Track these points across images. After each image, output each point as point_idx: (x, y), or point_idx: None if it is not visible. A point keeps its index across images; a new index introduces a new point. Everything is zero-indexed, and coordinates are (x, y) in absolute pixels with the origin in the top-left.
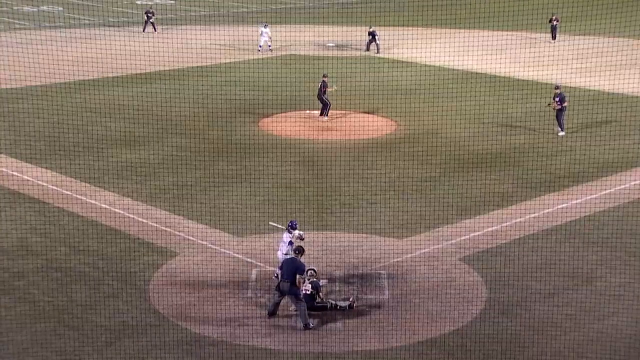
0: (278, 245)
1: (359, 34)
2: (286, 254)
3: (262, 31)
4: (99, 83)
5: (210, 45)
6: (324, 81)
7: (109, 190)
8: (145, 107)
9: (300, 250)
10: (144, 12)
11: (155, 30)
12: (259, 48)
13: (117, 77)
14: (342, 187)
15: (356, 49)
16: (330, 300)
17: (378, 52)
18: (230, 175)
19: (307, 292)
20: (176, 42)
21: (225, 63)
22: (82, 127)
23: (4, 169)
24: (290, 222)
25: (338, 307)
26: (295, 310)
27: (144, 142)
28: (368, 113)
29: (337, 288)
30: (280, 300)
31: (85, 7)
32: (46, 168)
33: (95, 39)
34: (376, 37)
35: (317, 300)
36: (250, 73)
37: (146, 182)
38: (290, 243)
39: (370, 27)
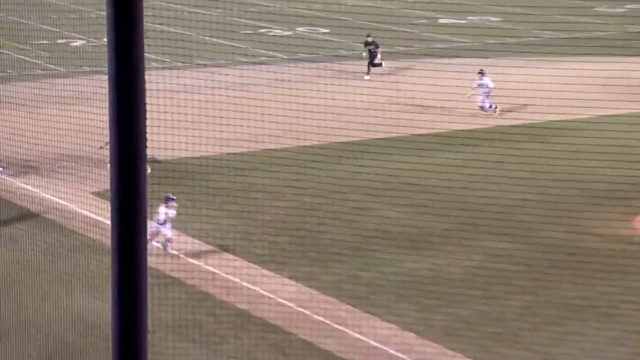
0: None
1: None
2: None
3: (477, 84)
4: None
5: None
6: None
7: (383, 319)
8: (436, 187)
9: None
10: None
11: (381, 65)
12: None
13: (391, 138)
14: None
15: None
16: None
17: None
18: (576, 307)
19: None
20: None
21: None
22: (345, 216)
23: (237, 280)
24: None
25: None
26: None
27: (436, 242)
28: None
29: None
30: None
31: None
32: (289, 277)
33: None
34: None
35: None
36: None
37: (439, 310)
38: None
39: None
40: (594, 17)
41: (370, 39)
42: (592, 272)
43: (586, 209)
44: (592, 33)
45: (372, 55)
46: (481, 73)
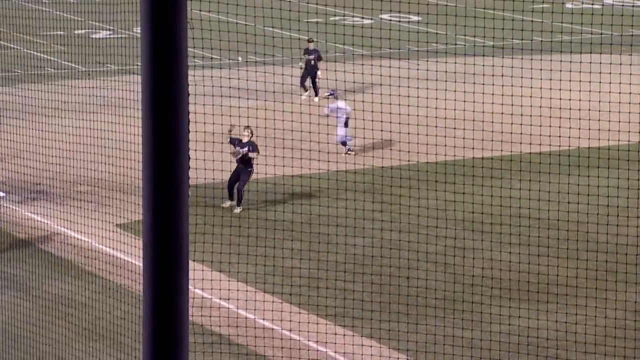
0: None
1: None
2: None
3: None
4: None
5: None
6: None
7: None
8: (559, 222)
9: None
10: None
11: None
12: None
13: (498, 157)
14: None
15: None
16: None
17: None
18: None
19: None
20: None
21: None
22: (439, 257)
23: None
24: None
25: None
26: None
27: (560, 293)
28: None
29: None
30: None
31: None
32: (367, 336)
33: None
34: None
35: None
36: None
37: None
38: None
39: None
40: None
41: (312, 46)
42: None
43: None
44: None
45: (311, 68)
46: (333, 95)
